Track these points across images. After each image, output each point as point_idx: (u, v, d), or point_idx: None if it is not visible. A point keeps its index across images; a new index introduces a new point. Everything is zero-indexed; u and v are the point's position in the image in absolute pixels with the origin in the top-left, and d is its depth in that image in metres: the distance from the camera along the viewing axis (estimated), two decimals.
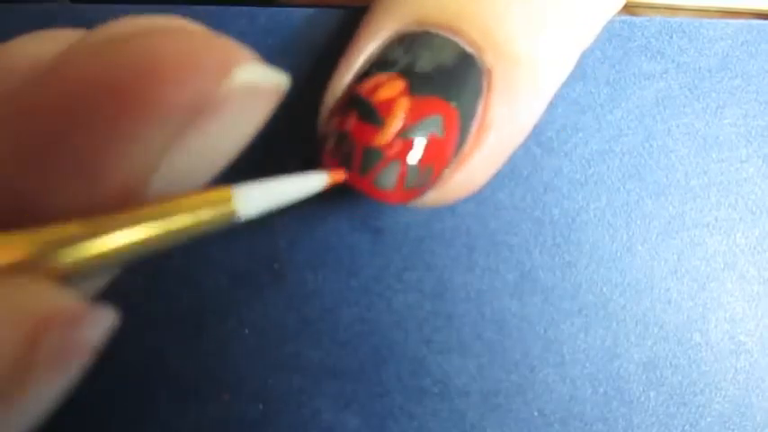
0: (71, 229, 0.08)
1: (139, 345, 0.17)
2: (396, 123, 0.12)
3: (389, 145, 0.12)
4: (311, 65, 0.16)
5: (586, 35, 0.14)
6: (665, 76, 0.17)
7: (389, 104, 0.12)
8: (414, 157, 0.12)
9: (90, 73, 0.08)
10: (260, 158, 0.17)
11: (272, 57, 0.17)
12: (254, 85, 0.09)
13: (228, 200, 0.09)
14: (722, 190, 0.17)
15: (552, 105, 0.17)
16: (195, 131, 0.09)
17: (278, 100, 0.10)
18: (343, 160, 0.12)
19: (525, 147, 0.17)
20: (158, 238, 0.08)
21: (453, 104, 0.12)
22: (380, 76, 0.13)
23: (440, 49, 0.13)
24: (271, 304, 0.17)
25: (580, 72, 0.17)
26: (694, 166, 0.17)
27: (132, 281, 0.17)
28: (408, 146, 0.12)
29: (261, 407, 0.16)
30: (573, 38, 0.14)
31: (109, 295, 0.17)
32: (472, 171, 0.13)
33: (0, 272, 0.07)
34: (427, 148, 0.12)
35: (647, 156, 0.17)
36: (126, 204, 0.09)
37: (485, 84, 0.13)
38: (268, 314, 0.17)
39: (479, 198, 0.17)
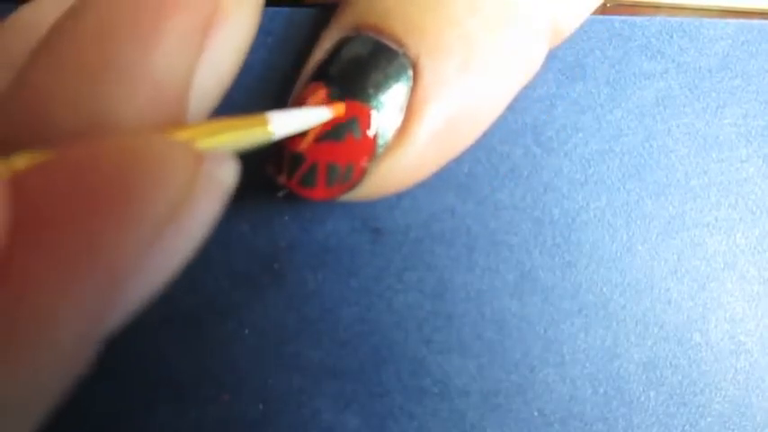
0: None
1: (139, 345, 0.17)
2: (315, 129, 0.14)
3: (309, 149, 0.14)
4: None
5: (551, 21, 0.14)
6: (665, 75, 0.17)
7: None
8: (330, 159, 0.14)
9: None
10: (260, 153, 0.17)
11: (272, 57, 0.17)
12: None
13: (265, 122, 0.12)
14: (722, 190, 0.17)
15: (552, 105, 0.17)
16: (211, 45, 0.11)
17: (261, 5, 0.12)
18: (277, 165, 0.14)
19: (525, 147, 0.17)
20: (212, 149, 0.10)
21: (370, 104, 0.13)
22: (310, 86, 0.14)
23: (361, 50, 0.14)
24: (271, 304, 0.17)
25: (580, 72, 0.17)
26: (694, 166, 0.17)
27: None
28: (324, 149, 0.14)
29: (261, 407, 0.16)
30: (523, 22, 0.14)
31: None
32: (404, 163, 0.14)
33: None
34: (342, 149, 0.14)
35: (647, 156, 0.17)
36: (177, 116, 0.10)
37: (411, 76, 0.13)
38: (268, 314, 0.17)
39: (479, 198, 0.17)
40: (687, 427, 0.17)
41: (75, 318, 0.08)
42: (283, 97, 0.17)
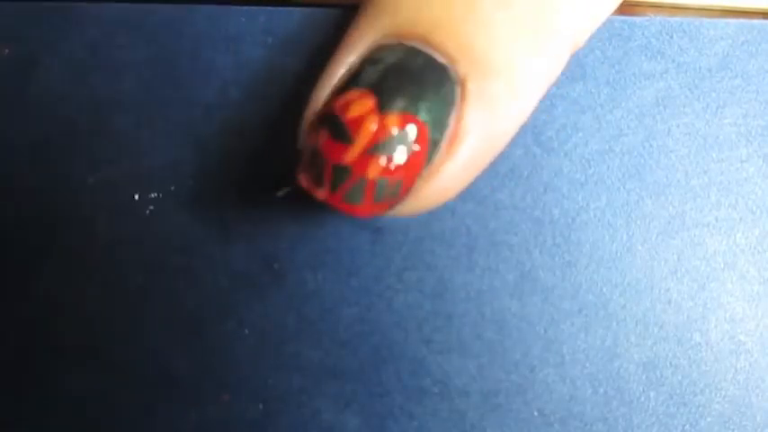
0: None
1: (139, 345, 0.17)
2: (363, 141, 0.13)
3: (357, 162, 0.13)
4: (311, 65, 0.16)
5: (573, 38, 0.14)
6: (665, 75, 0.17)
7: (359, 122, 0.13)
8: (381, 174, 0.13)
9: None
10: (260, 153, 0.17)
11: (271, 57, 0.17)
12: None
13: None
14: (722, 190, 0.17)
15: (552, 105, 0.17)
16: None
17: None
18: (315, 176, 0.13)
19: (525, 147, 0.17)
20: None
21: (422, 118, 0.13)
22: (352, 93, 0.13)
23: (411, 62, 0.13)
24: (271, 304, 0.17)
25: (580, 72, 0.17)
26: (694, 166, 0.17)
27: (132, 281, 0.17)
28: (375, 163, 0.13)
29: (261, 407, 0.16)
30: (557, 43, 0.14)
31: (109, 294, 0.17)
32: (445, 182, 0.14)
33: None
34: (392, 164, 0.13)
35: (647, 156, 0.17)
36: None
37: (458, 94, 0.13)
38: (268, 314, 0.17)
39: (479, 198, 0.17)
40: (687, 427, 0.17)
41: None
42: (284, 97, 0.17)
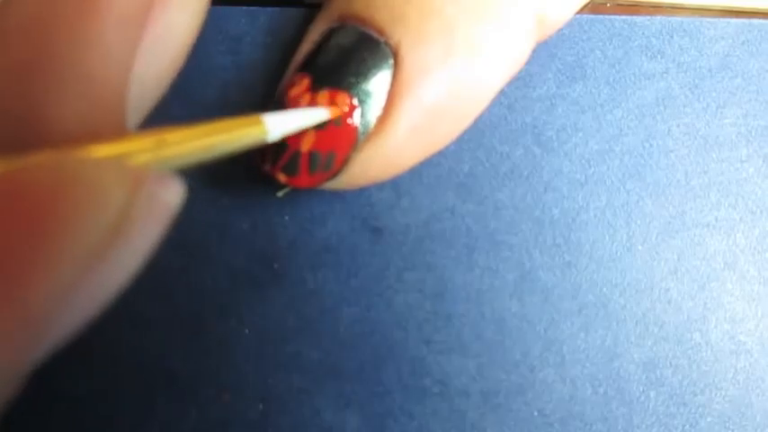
0: (146, 140, 0.10)
1: (139, 345, 0.17)
2: None
3: (291, 137, 0.14)
4: None
5: (535, 8, 0.14)
6: (665, 75, 0.17)
7: (295, 101, 0.14)
8: (312, 147, 0.14)
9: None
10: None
11: (271, 57, 0.17)
12: None
13: (260, 123, 0.12)
14: (722, 190, 0.17)
15: (552, 105, 0.17)
16: (150, 32, 0.10)
17: None
18: (262, 154, 0.14)
19: (525, 147, 0.17)
20: (208, 149, 0.11)
21: (352, 93, 0.14)
22: (295, 76, 0.14)
23: (344, 40, 0.14)
24: (271, 304, 0.17)
25: (580, 72, 0.17)
26: (694, 166, 0.17)
27: (132, 281, 0.17)
28: (305, 137, 0.14)
29: (261, 407, 0.16)
30: (510, 10, 0.13)
31: None
32: (384, 153, 0.14)
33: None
34: (323, 138, 0.14)
35: (647, 156, 0.17)
36: (117, 109, 0.10)
37: (392, 66, 0.13)
38: (268, 314, 0.17)
39: (479, 198, 0.17)
40: (687, 427, 0.17)
41: None
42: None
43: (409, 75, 0.13)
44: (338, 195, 0.17)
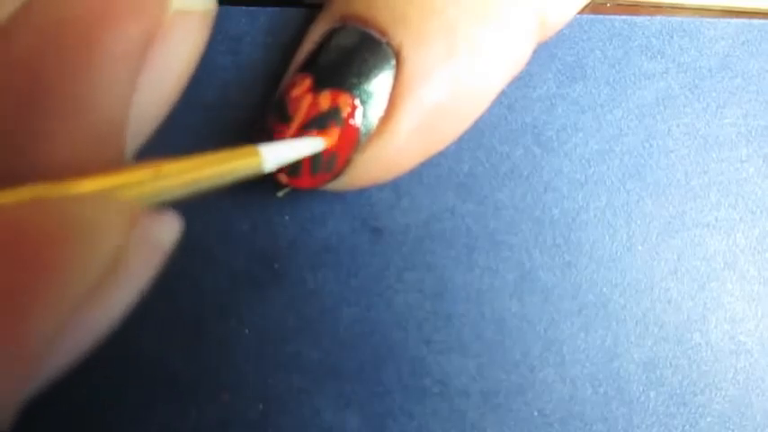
0: (142, 173, 0.10)
1: (139, 345, 0.17)
2: (299, 119, 0.14)
3: (293, 138, 0.14)
4: None
5: (536, 9, 0.14)
6: (665, 75, 0.17)
7: (297, 101, 0.14)
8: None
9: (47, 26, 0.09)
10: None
11: (271, 57, 0.17)
12: (187, 10, 0.10)
13: (256, 154, 0.12)
14: (722, 190, 0.17)
15: (552, 105, 0.17)
16: (150, 65, 0.10)
17: (210, 23, 0.11)
18: None
19: (525, 147, 0.17)
20: (204, 180, 0.11)
21: (354, 93, 0.13)
22: (296, 76, 0.14)
23: (346, 41, 0.14)
24: (271, 304, 0.17)
25: (580, 72, 0.17)
26: (694, 166, 0.17)
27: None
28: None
29: (261, 407, 0.16)
30: (511, 10, 0.13)
31: None
32: (386, 154, 0.14)
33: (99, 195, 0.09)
34: (327, 139, 0.14)
35: (647, 156, 0.17)
36: (115, 142, 0.10)
37: (394, 67, 0.13)
38: (268, 314, 0.17)
39: (479, 198, 0.17)
40: (687, 427, 0.17)
41: None
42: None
43: (411, 75, 0.13)
44: (338, 195, 0.17)
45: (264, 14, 0.17)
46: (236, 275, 0.17)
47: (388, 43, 0.13)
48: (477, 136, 0.17)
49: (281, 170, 0.14)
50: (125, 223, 0.09)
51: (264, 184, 0.17)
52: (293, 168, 0.14)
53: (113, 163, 0.10)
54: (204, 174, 0.10)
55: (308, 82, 0.14)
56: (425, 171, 0.17)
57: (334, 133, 0.14)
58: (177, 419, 0.16)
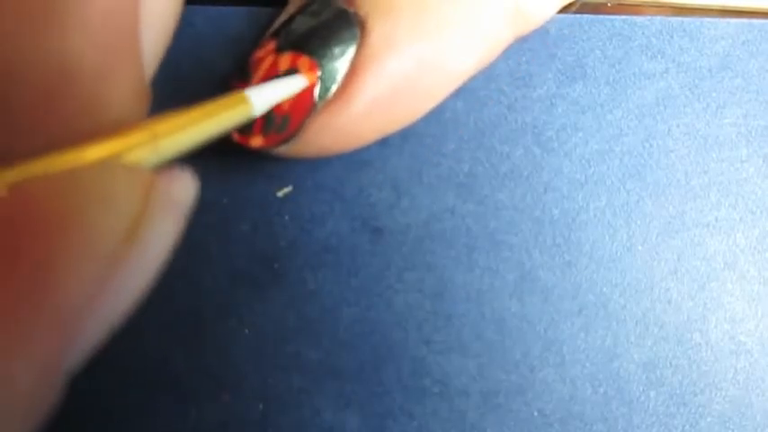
0: (139, 135, 0.10)
1: (139, 345, 0.17)
2: (257, 78, 0.14)
3: None
4: None
5: None
6: (665, 75, 0.17)
7: (258, 62, 0.14)
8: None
9: None
10: (259, 153, 0.17)
11: None
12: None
13: (245, 100, 0.12)
14: (722, 190, 0.17)
15: (552, 105, 0.17)
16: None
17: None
18: None
19: (525, 147, 0.17)
20: (199, 134, 0.11)
21: (314, 58, 0.14)
22: (263, 40, 0.14)
23: (316, 9, 0.14)
24: (271, 304, 0.17)
25: (580, 72, 0.17)
26: (694, 166, 0.17)
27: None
28: None
29: (261, 407, 0.16)
30: None
31: None
32: (344, 121, 0.14)
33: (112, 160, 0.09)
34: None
35: (647, 156, 0.17)
36: (133, 38, 0.10)
37: (357, 36, 0.13)
38: (268, 314, 0.17)
39: (479, 198, 0.17)
40: (687, 427, 0.17)
41: (28, 366, 0.08)
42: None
43: (375, 46, 0.13)
44: (338, 195, 0.17)
45: (264, 14, 0.17)
46: (236, 275, 0.17)
47: (355, 13, 0.13)
48: (477, 136, 0.17)
49: None
50: (139, 188, 0.09)
51: (264, 184, 0.17)
52: (245, 126, 0.14)
53: (131, 78, 0.10)
54: (198, 128, 0.11)
55: (272, 45, 0.14)
56: (425, 171, 0.17)
57: (305, 66, 0.14)
58: (177, 419, 0.16)
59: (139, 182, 0.09)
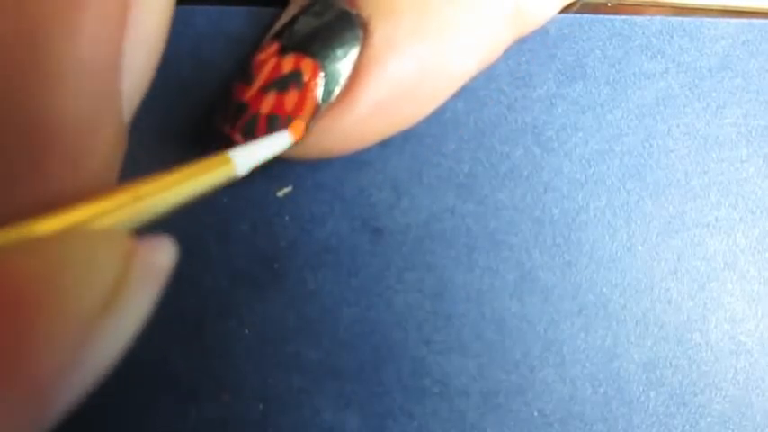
0: (121, 197, 0.10)
1: (139, 345, 0.17)
2: (260, 81, 0.14)
3: (253, 99, 0.14)
4: None
5: None
6: (665, 75, 0.17)
7: (261, 65, 0.14)
8: (272, 110, 0.14)
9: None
10: None
11: None
12: None
13: (228, 162, 0.12)
14: (722, 190, 0.17)
15: (552, 105, 0.17)
16: (133, 20, 0.10)
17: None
18: (224, 114, 0.14)
19: (525, 147, 0.17)
20: (181, 195, 0.11)
21: (317, 60, 0.14)
22: (266, 42, 0.14)
23: (315, 9, 0.14)
24: (271, 304, 0.17)
25: (580, 72, 0.17)
26: (694, 166, 0.17)
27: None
28: (265, 99, 0.14)
29: (261, 407, 0.16)
30: None
31: None
32: (347, 123, 0.14)
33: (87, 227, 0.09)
34: (284, 101, 0.14)
35: (647, 156, 0.17)
36: (113, 97, 0.10)
37: (360, 38, 0.13)
38: (268, 314, 0.17)
39: (479, 198, 0.17)
40: (687, 427, 0.17)
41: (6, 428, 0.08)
42: None
43: (377, 49, 0.13)
44: (338, 195, 0.17)
45: (265, 14, 0.17)
46: (236, 275, 0.17)
47: (357, 15, 0.13)
48: (477, 136, 0.17)
49: (237, 130, 0.14)
50: (118, 256, 0.09)
51: (264, 184, 0.17)
52: (249, 129, 0.14)
53: (116, 128, 0.10)
54: (180, 190, 0.11)
55: (275, 47, 0.14)
56: (425, 171, 0.17)
57: (294, 96, 0.14)
58: (177, 419, 0.16)
59: (119, 249, 0.09)
